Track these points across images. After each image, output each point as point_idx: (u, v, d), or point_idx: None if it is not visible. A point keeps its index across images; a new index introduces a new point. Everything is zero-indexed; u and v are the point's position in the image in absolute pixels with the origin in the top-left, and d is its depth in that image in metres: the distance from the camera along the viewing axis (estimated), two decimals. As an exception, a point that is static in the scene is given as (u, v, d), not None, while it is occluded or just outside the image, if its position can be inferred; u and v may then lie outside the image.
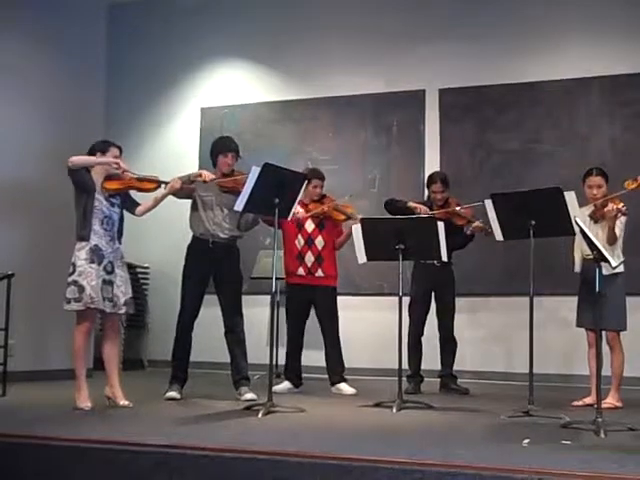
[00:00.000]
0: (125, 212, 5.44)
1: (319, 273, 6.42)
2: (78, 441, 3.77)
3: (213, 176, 5.72)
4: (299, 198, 5.38)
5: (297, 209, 6.05)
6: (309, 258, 6.41)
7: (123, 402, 5.21)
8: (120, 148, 5.40)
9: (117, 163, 5.23)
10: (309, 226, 6.45)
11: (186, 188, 5.71)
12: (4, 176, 6.92)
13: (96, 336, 6.55)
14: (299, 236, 6.43)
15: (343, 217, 6.40)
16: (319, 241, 6.43)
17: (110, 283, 5.19)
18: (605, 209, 5.42)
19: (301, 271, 6.42)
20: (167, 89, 9.21)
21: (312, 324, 6.53)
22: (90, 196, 5.19)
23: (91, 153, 5.33)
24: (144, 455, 3.60)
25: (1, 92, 6.99)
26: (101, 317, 5.48)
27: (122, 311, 5.30)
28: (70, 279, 5.09)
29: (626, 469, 3.26)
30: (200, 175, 5.70)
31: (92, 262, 5.11)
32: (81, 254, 5.11)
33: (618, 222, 5.46)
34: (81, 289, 5.04)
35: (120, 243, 5.35)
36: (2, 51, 6.98)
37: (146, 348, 8.82)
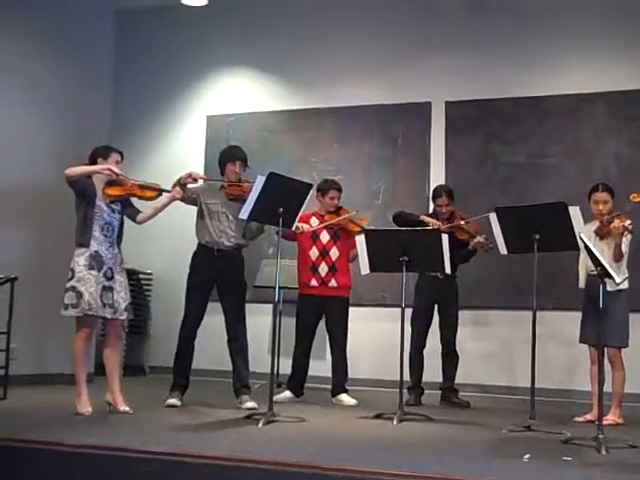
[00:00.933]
0: (125, 219, 5.44)
1: (332, 283, 6.41)
2: (78, 446, 3.77)
3: (203, 175, 5.71)
4: (303, 208, 5.38)
5: (302, 225, 6.11)
6: (323, 268, 6.41)
7: (123, 408, 5.20)
8: (122, 153, 5.40)
9: (109, 169, 5.20)
10: (324, 237, 6.45)
11: (187, 197, 5.72)
12: (10, 180, 6.94)
13: (98, 341, 6.56)
14: (314, 247, 6.44)
15: (358, 229, 6.37)
16: (333, 252, 6.44)
17: (110, 289, 5.19)
18: (612, 226, 5.40)
19: (314, 282, 6.42)
20: (173, 96, 9.22)
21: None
22: (91, 202, 5.20)
23: (93, 158, 5.33)
24: (144, 462, 3.59)
25: (8, 96, 7.01)
26: (103, 323, 5.48)
27: (123, 317, 5.31)
28: (68, 285, 5.09)
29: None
30: (190, 176, 5.68)
31: (92, 268, 5.11)
32: (80, 260, 5.12)
33: (624, 239, 5.44)
34: (79, 295, 5.05)
35: (119, 248, 5.35)
36: (9, 54, 7.00)
37: (147, 354, 8.81)
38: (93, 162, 5.33)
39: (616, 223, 5.35)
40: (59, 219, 6.92)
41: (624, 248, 5.45)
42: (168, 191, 5.53)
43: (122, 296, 5.27)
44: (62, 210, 6.72)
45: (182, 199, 5.64)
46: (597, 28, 7.76)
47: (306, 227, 6.25)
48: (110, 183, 5.27)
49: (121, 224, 5.38)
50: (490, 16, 8.11)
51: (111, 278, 5.21)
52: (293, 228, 5.51)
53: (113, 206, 5.30)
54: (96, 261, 5.15)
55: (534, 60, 7.91)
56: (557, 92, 7.82)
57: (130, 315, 5.40)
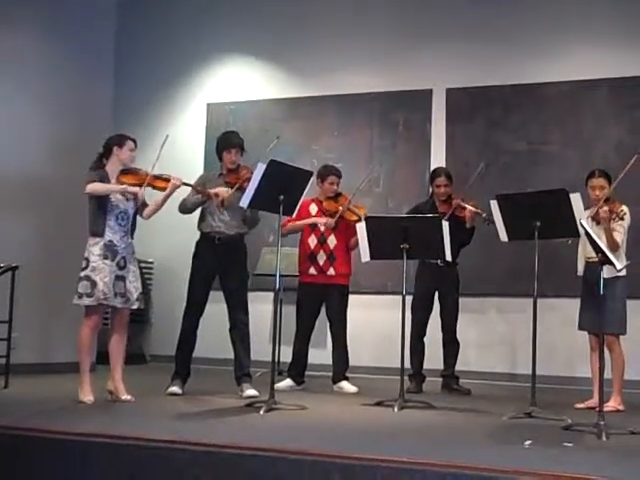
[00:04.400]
0: None
1: (331, 272, 6.41)
2: (79, 435, 3.78)
3: (229, 193, 5.66)
4: (304, 195, 5.37)
5: (325, 220, 6.26)
6: (321, 257, 6.40)
7: (125, 396, 5.21)
8: (135, 141, 5.40)
9: (135, 194, 5.21)
10: (330, 220, 6.43)
11: (194, 187, 5.71)
12: (12, 170, 6.94)
13: (100, 330, 6.57)
14: (312, 235, 6.44)
15: (355, 218, 6.34)
16: (331, 240, 6.42)
17: (122, 279, 5.21)
18: (600, 211, 5.37)
19: (312, 270, 6.42)
20: (173, 84, 9.20)
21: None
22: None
23: (107, 147, 5.33)
24: (145, 450, 3.60)
25: (11, 88, 7.00)
26: (107, 311, 5.50)
27: (135, 306, 5.34)
28: (82, 274, 5.10)
29: (627, 473, 3.26)
30: (217, 195, 5.67)
31: (106, 258, 5.13)
32: (95, 249, 5.13)
33: (617, 226, 5.41)
34: (93, 284, 5.06)
35: (132, 238, 5.36)
36: (10, 47, 6.99)
37: (148, 342, 8.83)
38: (108, 151, 5.33)
39: (604, 208, 5.32)
40: (61, 209, 6.94)
41: (618, 235, 5.41)
42: (187, 184, 5.55)
43: (135, 285, 5.29)
44: (64, 200, 6.75)
45: (197, 191, 5.67)
46: (598, 14, 7.74)
47: (331, 221, 6.29)
48: (124, 172, 5.28)
49: (135, 213, 5.37)
50: (491, 3, 8.08)
51: (124, 267, 5.23)
52: (294, 215, 5.49)
53: (127, 195, 5.30)
54: (110, 251, 5.16)
55: (535, 47, 7.89)
56: (558, 79, 7.81)
57: (141, 305, 5.42)
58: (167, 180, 5.43)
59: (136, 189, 5.23)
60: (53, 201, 7.02)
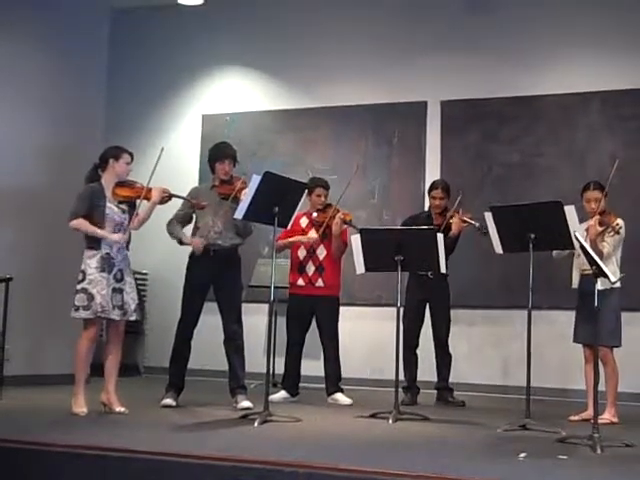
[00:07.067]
0: None
1: (319, 283, 6.40)
2: (73, 447, 3.76)
3: (203, 244, 5.71)
4: (299, 207, 5.37)
5: (306, 237, 6.26)
6: (310, 268, 6.40)
7: (119, 408, 5.20)
8: (132, 155, 5.39)
9: (114, 239, 5.18)
10: (311, 236, 6.42)
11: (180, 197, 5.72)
12: (4, 180, 6.92)
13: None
14: (302, 246, 6.43)
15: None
16: (320, 251, 6.42)
17: (120, 291, 5.21)
18: (590, 227, 5.39)
19: (301, 282, 6.41)
20: (169, 95, 9.21)
21: (309, 333, 6.52)
22: (101, 207, 5.19)
23: (104, 159, 5.32)
24: (139, 462, 3.59)
25: (2, 95, 6.99)
26: (103, 323, 5.49)
27: (133, 318, 5.33)
28: (79, 287, 5.09)
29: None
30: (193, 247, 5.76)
31: (103, 271, 5.12)
32: (92, 262, 5.12)
33: (608, 238, 5.43)
34: (90, 297, 5.05)
35: (128, 250, 5.34)
36: (3, 54, 6.98)
37: (143, 354, 8.80)
38: (104, 162, 5.31)
39: (592, 222, 5.35)
40: (54, 219, 6.88)
41: (604, 247, 5.42)
42: (178, 196, 5.54)
43: (132, 297, 5.29)
44: (57, 210, 6.69)
45: (192, 204, 5.69)
46: (592, 27, 7.77)
47: (315, 236, 6.27)
48: (120, 184, 5.28)
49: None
50: (485, 16, 8.11)
51: (121, 280, 5.22)
52: (288, 226, 5.50)
53: (122, 206, 5.29)
54: (107, 263, 5.15)
55: (529, 59, 7.93)
56: (552, 91, 7.84)
57: (138, 316, 5.42)
58: None
59: (117, 236, 5.20)
60: (46, 212, 6.99)
